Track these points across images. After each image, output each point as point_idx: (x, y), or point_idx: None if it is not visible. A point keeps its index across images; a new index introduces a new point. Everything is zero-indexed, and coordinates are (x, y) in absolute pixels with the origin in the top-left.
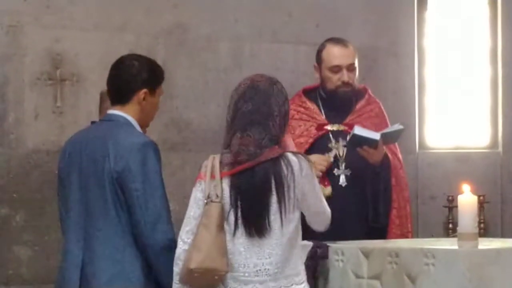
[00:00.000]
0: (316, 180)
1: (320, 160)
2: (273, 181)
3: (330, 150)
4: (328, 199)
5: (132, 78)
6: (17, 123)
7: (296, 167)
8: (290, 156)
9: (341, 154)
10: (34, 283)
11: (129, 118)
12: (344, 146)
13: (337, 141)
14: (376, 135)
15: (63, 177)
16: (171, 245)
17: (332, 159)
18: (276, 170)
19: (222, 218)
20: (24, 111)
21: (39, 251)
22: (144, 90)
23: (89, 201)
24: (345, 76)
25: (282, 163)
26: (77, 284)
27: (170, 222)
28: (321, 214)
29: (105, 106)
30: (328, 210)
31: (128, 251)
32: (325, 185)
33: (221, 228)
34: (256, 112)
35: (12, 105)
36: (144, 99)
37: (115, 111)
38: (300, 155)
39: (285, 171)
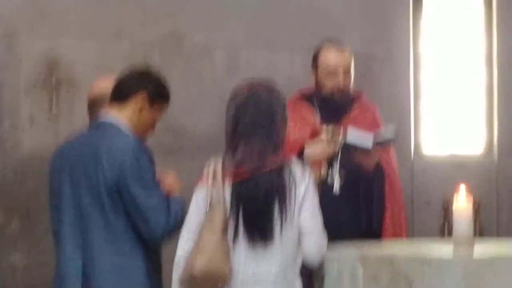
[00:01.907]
0: (316, 196)
1: (327, 149)
2: (276, 190)
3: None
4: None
5: (137, 80)
6: (12, 130)
7: (298, 174)
8: (294, 163)
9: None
10: None
11: (120, 121)
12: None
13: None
14: (368, 143)
15: (54, 186)
16: (168, 231)
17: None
18: (280, 179)
19: (226, 222)
20: (19, 118)
21: (34, 259)
22: (144, 94)
23: (83, 209)
24: (340, 81)
25: (285, 172)
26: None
27: (168, 214)
28: (314, 237)
29: (93, 116)
30: (323, 238)
31: (130, 256)
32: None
33: (225, 232)
34: (258, 123)
35: (7, 111)
36: (142, 104)
37: (106, 118)
38: (304, 164)
39: (288, 178)
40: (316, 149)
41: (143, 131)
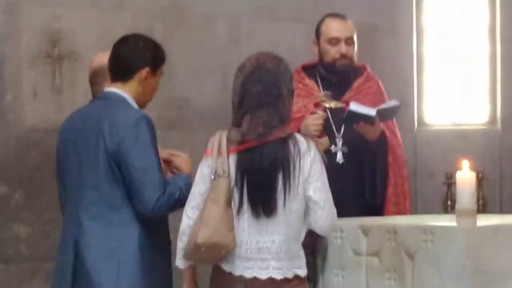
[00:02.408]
0: (324, 168)
1: (314, 120)
2: (280, 161)
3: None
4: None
5: (137, 55)
6: (15, 102)
7: (303, 147)
8: (298, 136)
9: (332, 106)
10: (33, 261)
11: (126, 95)
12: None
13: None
14: (372, 111)
15: (60, 155)
16: (163, 206)
17: (323, 113)
18: (284, 150)
19: (230, 193)
20: (22, 90)
21: (38, 229)
22: (147, 69)
23: (83, 179)
24: (343, 48)
25: (290, 143)
26: (72, 261)
27: (163, 190)
28: (326, 208)
29: (95, 89)
30: (334, 208)
31: (124, 227)
32: (320, 138)
33: (229, 203)
34: (265, 94)
35: (10, 83)
36: (145, 78)
37: (111, 89)
38: (308, 137)
39: (292, 151)
40: (306, 122)
41: (147, 99)
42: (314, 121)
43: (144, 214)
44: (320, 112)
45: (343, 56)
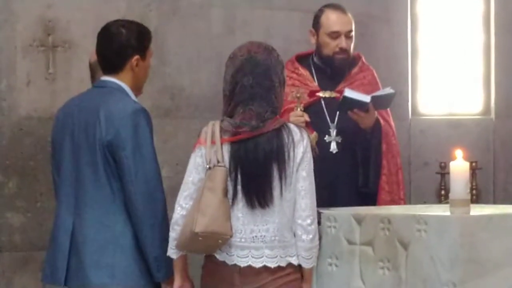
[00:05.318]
0: (312, 158)
1: (294, 118)
2: (275, 152)
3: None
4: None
5: (123, 47)
6: (9, 90)
7: (297, 136)
8: (292, 126)
9: (326, 95)
10: (26, 250)
11: (123, 85)
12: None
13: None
14: (366, 98)
15: (56, 142)
16: (160, 216)
17: (301, 111)
18: (279, 141)
19: (227, 182)
20: (16, 78)
21: (31, 218)
22: (136, 56)
23: (79, 167)
24: (343, 42)
25: (284, 133)
26: (67, 250)
27: (161, 192)
28: (306, 198)
29: (97, 77)
30: (315, 201)
31: (119, 217)
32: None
33: (226, 192)
34: (257, 86)
35: (4, 71)
36: (137, 65)
37: (108, 78)
38: (302, 127)
39: (286, 140)
40: (290, 119)
41: (142, 81)
42: (294, 118)
43: (132, 206)
44: (299, 108)
45: (342, 50)
